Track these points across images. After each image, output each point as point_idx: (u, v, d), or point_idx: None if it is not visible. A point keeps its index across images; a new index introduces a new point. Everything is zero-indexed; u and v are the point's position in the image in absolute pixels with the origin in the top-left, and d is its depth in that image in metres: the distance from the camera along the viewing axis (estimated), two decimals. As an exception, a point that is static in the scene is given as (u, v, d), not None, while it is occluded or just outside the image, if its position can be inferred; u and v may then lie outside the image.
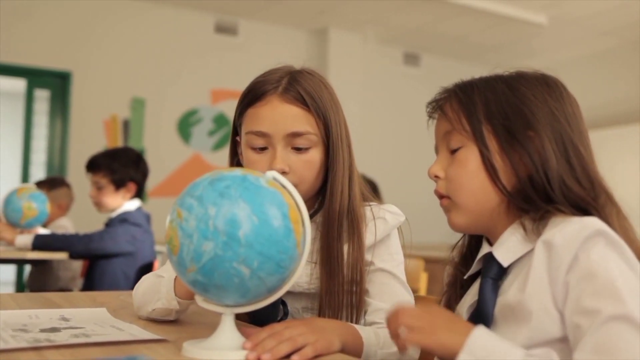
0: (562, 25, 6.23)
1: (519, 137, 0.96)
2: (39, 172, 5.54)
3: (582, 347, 0.81)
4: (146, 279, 1.25)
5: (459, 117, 1.00)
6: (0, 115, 9.13)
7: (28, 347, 0.88)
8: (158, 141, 5.93)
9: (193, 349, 0.88)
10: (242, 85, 1.29)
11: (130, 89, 5.87)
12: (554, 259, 0.87)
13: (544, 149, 0.95)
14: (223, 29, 6.30)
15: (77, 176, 3.43)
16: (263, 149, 1.24)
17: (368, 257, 1.25)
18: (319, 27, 6.58)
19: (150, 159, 5.70)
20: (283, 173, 1.20)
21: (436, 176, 1.03)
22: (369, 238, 1.25)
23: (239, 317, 1.26)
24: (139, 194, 3.08)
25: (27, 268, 3.97)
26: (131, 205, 3.02)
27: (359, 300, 1.22)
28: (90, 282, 2.95)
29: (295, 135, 1.22)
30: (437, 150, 1.06)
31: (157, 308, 1.17)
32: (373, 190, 1.40)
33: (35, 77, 5.66)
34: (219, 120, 6.15)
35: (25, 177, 5.50)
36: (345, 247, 1.23)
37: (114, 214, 3.00)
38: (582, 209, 0.92)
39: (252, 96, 1.25)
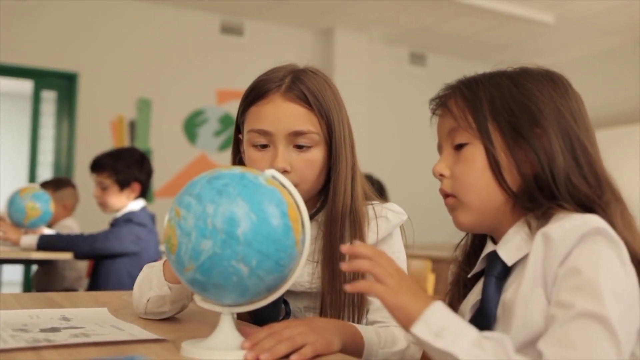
0: (569, 24, 6.20)
1: (526, 134, 0.94)
2: (46, 173, 5.55)
3: (547, 336, 0.81)
4: (142, 272, 1.24)
5: (464, 113, 0.98)
6: (8, 117, 9.18)
7: (26, 347, 0.87)
8: (164, 142, 5.94)
9: (191, 349, 0.87)
10: (247, 86, 1.28)
11: (136, 89, 5.88)
12: (549, 252, 0.86)
13: (551, 146, 0.93)
14: (229, 30, 6.30)
15: (84, 177, 3.45)
16: (265, 147, 1.23)
17: None
18: (325, 27, 6.57)
19: (157, 159, 5.78)
20: (284, 172, 1.19)
21: (441, 175, 1.01)
22: (370, 237, 1.25)
23: (240, 317, 1.26)
24: (144, 194, 3.08)
25: (34, 268, 3.97)
26: (136, 205, 3.02)
27: (361, 300, 1.21)
28: (95, 282, 2.95)
29: (298, 134, 1.21)
30: (440, 148, 1.04)
31: (151, 297, 1.17)
32: (380, 191, 1.39)
33: (42, 78, 5.68)
34: (225, 120, 6.15)
35: (32, 178, 5.51)
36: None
37: (118, 214, 3.01)
38: (587, 207, 0.91)
39: (255, 94, 1.24)
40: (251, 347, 0.86)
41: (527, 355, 0.81)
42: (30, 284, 5.07)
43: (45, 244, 2.96)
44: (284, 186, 0.92)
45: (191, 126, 6.11)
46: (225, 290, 0.86)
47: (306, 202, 1.27)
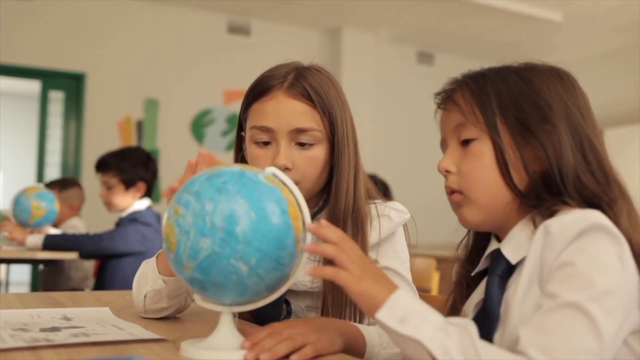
0: (577, 22, 6.16)
1: (534, 130, 0.92)
2: (53, 173, 5.57)
3: (528, 323, 0.80)
4: (139, 269, 1.24)
5: (472, 108, 0.96)
6: (15, 117, 9.22)
7: (25, 346, 0.87)
8: (172, 142, 5.94)
9: (191, 349, 0.86)
10: (254, 86, 1.27)
11: (143, 89, 5.89)
12: (547, 247, 0.85)
13: (560, 142, 0.91)
14: (236, 29, 6.30)
15: (92, 177, 3.46)
16: (267, 144, 1.22)
17: (372, 255, 1.23)
18: (332, 26, 6.55)
19: (164, 159, 5.78)
20: (286, 169, 1.18)
21: (447, 171, 0.98)
22: (373, 236, 1.23)
23: (242, 317, 1.25)
24: (149, 193, 3.08)
25: (42, 268, 3.98)
26: (141, 204, 3.02)
27: None
28: (101, 282, 2.96)
29: (300, 131, 1.20)
30: (444, 144, 1.02)
31: (147, 292, 1.16)
32: (384, 192, 1.38)
33: (49, 78, 5.70)
34: (232, 120, 6.15)
35: (40, 178, 5.53)
36: None
37: (124, 214, 3.01)
38: (594, 204, 0.89)
39: (258, 91, 1.24)
40: (251, 347, 0.85)
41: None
42: (37, 284, 5.08)
43: (50, 243, 2.97)
44: (284, 184, 0.90)
45: (198, 126, 6.11)
46: (224, 289, 0.85)
47: (308, 200, 1.26)
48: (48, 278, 3.52)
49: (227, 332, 0.89)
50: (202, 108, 6.13)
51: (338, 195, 1.23)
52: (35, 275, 5.31)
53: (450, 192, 0.99)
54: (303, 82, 1.22)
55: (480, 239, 1.04)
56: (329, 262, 1.17)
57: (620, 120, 6.48)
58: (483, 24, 6.27)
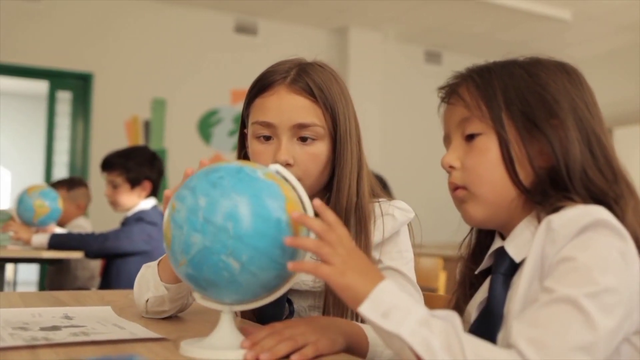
0: (587, 20, 6.12)
1: (541, 125, 0.90)
2: (61, 173, 5.58)
3: (522, 316, 0.78)
4: (140, 271, 1.23)
5: (477, 102, 0.94)
6: (23, 117, 9.25)
7: (23, 345, 0.86)
8: (179, 142, 5.94)
9: (190, 348, 0.85)
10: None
11: (151, 89, 5.89)
12: (548, 243, 0.83)
13: (567, 138, 0.89)
14: (243, 29, 6.30)
15: (99, 177, 3.47)
16: (268, 139, 1.21)
17: (376, 254, 1.21)
18: (339, 26, 6.54)
19: (171, 159, 5.79)
20: (287, 165, 1.17)
21: (451, 166, 0.96)
22: (376, 235, 1.21)
23: (244, 316, 1.24)
24: (155, 192, 3.08)
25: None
26: (147, 204, 3.01)
27: None
28: (107, 282, 2.96)
29: (301, 126, 1.19)
30: (447, 139, 1.00)
31: (150, 298, 1.15)
32: (381, 186, 1.36)
33: (57, 79, 5.72)
34: (239, 120, 6.14)
35: (48, 178, 5.54)
36: None
37: (129, 213, 3.00)
38: (600, 201, 0.87)
39: (260, 86, 1.23)
40: (251, 347, 0.84)
41: None
42: (45, 284, 5.10)
43: (56, 243, 2.97)
44: (287, 181, 0.89)
45: (205, 126, 6.11)
46: (218, 287, 0.83)
47: (310, 198, 1.25)
48: (54, 277, 3.52)
49: (227, 331, 0.88)
50: (210, 108, 6.13)
51: (340, 192, 1.21)
52: (43, 274, 5.32)
53: (454, 188, 0.96)
54: (305, 77, 1.21)
55: (483, 237, 1.02)
56: None
57: (630, 119, 6.43)
58: (491, 22, 6.24)
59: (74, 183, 3.90)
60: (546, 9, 5.90)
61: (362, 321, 1.15)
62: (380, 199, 1.27)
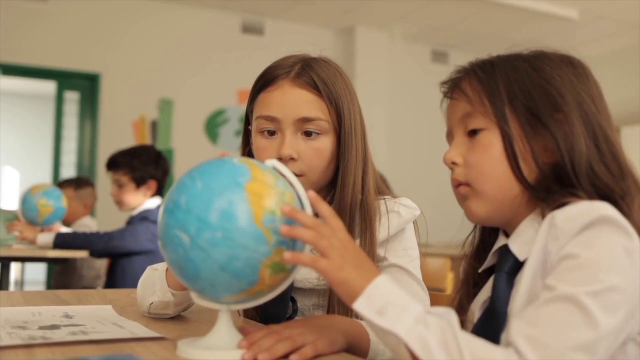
0: (594, 19, 6.08)
1: (545, 120, 0.88)
2: (69, 173, 5.59)
3: (522, 314, 0.76)
4: (144, 273, 1.22)
5: (480, 97, 0.91)
6: (32, 118, 9.29)
7: (20, 344, 0.85)
8: (186, 141, 5.95)
9: (187, 348, 0.83)
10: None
11: (158, 89, 5.90)
12: (551, 240, 0.81)
13: (573, 132, 0.87)
14: (249, 29, 6.29)
15: (107, 177, 3.48)
16: (272, 134, 1.19)
17: (381, 252, 1.20)
18: (346, 25, 6.53)
19: (178, 159, 5.79)
20: (291, 159, 1.16)
21: (453, 163, 0.94)
22: (381, 233, 1.20)
23: (247, 315, 1.23)
24: (160, 191, 3.07)
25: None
26: (152, 203, 3.01)
27: None
28: (112, 281, 2.95)
29: (306, 120, 1.18)
30: (450, 135, 0.98)
31: (154, 302, 1.14)
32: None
33: (64, 79, 5.74)
34: (245, 118, 6.15)
35: (55, 178, 5.56)
36: (357, 242, 1.18)
37: (134, 212, 3.00)
38: (606, 197, 0.85)
39: (264, 81, 1.21)
40: (249, 347, 0.82)
41: None
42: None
43: (61, 242, 2.96)
44: (284, 177, 0.87)
45: (212, 126, 6.11)
46: (181, 269, 0.83)
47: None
48: (60, 277, 3.52)
49: (224, 331, 0.86)
50: (216, 108, 6.13)
51: (344, 188, 1.19)
52: (50, 274, 5.33)
53: (457, 184, 0.94)
54: (310, 71, 1.20)
55: (487, 235, 1.00)
56: None
57: (637, 118, 6.37)
58: (498, 21, 6.21)
59: (81, 182, 3.90)
60: (553, 8, 5.86)
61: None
62: (385, 196, 1.25)
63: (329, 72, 1.21)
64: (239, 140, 6.51)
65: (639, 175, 0.90)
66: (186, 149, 5.89)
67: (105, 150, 5.50)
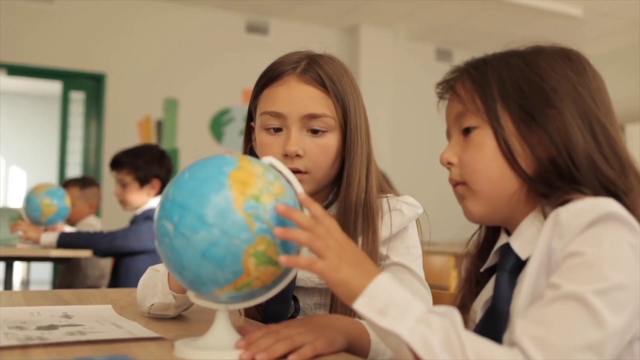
0: (598, 17, 6.05)
1: (538, 117, 0.86)
2: (74, 172, 5.60)
3: (527, 313, 0.75)
4: (145, 273, 1.21)
5: (472, 96, 0.91)
6: (38, 118, 9.31)
7: (16, 345, 0.84)
8: (191, 141, 5.96)
9: (184, 348, 0.82)
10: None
11: (163, 89, 5.91)
12: (555, 238, 0.79)
13: (567, 127, 0.85)
14: (254, 29, 6.29)
15: (112, 176, 3.49)
16: (277, 131, 1.18)
17: (383, 250, 1.18)
18: (350, 24, 6.52)
19: (184, 158, 5.79)
20: (297, 156, 1.15)
21: (449, 163, 0.93)
22: (384, 231, 1.18)
23: (249, 315, 1.22)
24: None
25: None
26: (156, 202, 3.00)
27: None
28: (116, 280, 2.95)
29: (312, 117, 1.16)
30: (448, 136, 0.97)
31: (155, 303, 1.13)
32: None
33: (70, 79, 5.75)
34: (249, 117, 6.14)
35: (61, 178, 5.57)
36: (359, 241, 1.16)
37: (138, 211, 3.00)
38: (610, 192, 0.83)
39: (269, 77, 1.20)
40: (247, 347, 0.81)
41: None
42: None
43: (65, 241, 2.96)
44: (282, 174, 0.86)
45: (217, 125, 6.12)
46: (168, 261, 0.83)
47: (318, 193, 1.23)
48: (65, 276, 3.53)
49: (222, 330, 0.85)
50: (221, 107, 6.13)
51: (349, 187, 1.18)
52: (56, 273, 5.35)
53: (454, 184, 0.94)
54: (316, 68, 1.18)
55: (491, 234, 0.98)
56: None
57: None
58: (502, 19, 6.18)
59: (86, 182, 3.91)
60: (557, 6, 5.83)
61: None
62: (388, 194, 1.24)
63: (335, 69, 1.20)
64: (243, 140, 6.54)
65: None
66: (191, 149, 5.90)
67: (111, 150, 5.49)
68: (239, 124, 6.16)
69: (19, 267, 5.27)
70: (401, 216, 1.20)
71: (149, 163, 2.98)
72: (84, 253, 2.92)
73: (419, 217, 1.25)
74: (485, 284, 0.96)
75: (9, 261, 3.08)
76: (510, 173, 0.88)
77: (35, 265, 5.20)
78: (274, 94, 1.18)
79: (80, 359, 0.71)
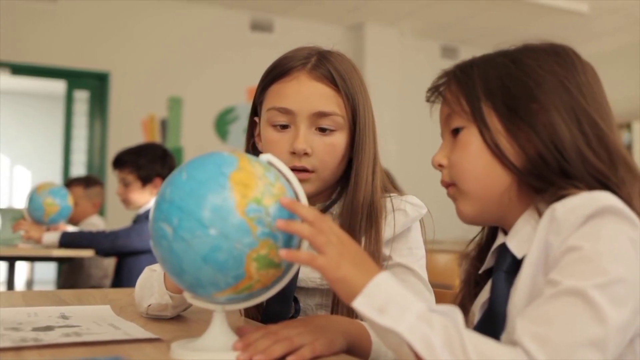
0: (604, 13, 6.01)
1: (522, 114, 0.85)
2: (79, 172, 5.60)
3: (527, 311, 0.73)
4: (143, 273, 1.19)
5: (457, 97, 0.91)
6: (42, 117, 9.32)
7: (9, 347, 0.82)
8: (196, 139, 5.95)
9: (180, 350, 0.81)
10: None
11: (167, 88, 5.90)
12: (552, 233, 0.77)
13: (552, 122, 0.84)
14: (258, 27, 6.28)
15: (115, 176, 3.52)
16: (285, 127, 1.16)
17: (386, 251, 1.16)
18: (355, 22, 6.50)
19: (188, 157, 5.78)
20: (304, 154, 1.13)
21: (440, 165, 0.93)
22: (387, 231, 1.16)
23: (249, 315, 1.20)
24: (166, 190, 3.05)
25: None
26: (158, 201, 2.98)
27: None
28: (119, 280, 2.94)
29: (322, 115, 1.14)
30: (443, 139, 0.97)
31: (152, 304, 1.11)
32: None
33: (74, 78, 5.76)
34: (254, 114, 6.14)
35: (66, 177, 5.57)
36: (362, 241, 1.14)
37: (141, 211, 2.98)
38: (604, 185, 0.82)
39: (278, 72, 1.17)
40: (244, 348, 0.79)
41: None
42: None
43: (67, 241, 2.95)
44: (280, 172, 0.84)
45: (222, 124, 6.11)
46: (165, 262, 0.80)
47: (322, 192, 1.21)
48: (68, 276, 3.52)
49: (219, 331, 0.83)
50: (226, 106, 6.12)
51: (357, 187, 1.16)
52: (60, 273, 5.34)
53: (446, 186, 0.93)
54: (327, 64, 1.16)
55: (492, 235, 0.97)
56: None
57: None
58: (507, 16, 6.15)
59: (90, 181, 3.90)
60: (563, 2, 5.80)
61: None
62: (391, 194, 1.22)
63: (345, 67, 1.18)
64: (248, 138, 6.54)
65: (635, 163, 0.86)
66: (196, 147, 5.88)
67: (115, 149, 5.47)
68: (244, 122, 6.14)
69: (23, 267, 5.27)
70: (405, 216, 1.18)
71: (151, 162, 2.96)
72: (86, 253, 2.91)
73: (422, 217, 1.22)
74: (484, 285, 0.95)
75: (11, 261, 3.08)
76: (499, 170, 0.87)
77: (39, 265, 5.18)
78: (283, 90, 1.16)
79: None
